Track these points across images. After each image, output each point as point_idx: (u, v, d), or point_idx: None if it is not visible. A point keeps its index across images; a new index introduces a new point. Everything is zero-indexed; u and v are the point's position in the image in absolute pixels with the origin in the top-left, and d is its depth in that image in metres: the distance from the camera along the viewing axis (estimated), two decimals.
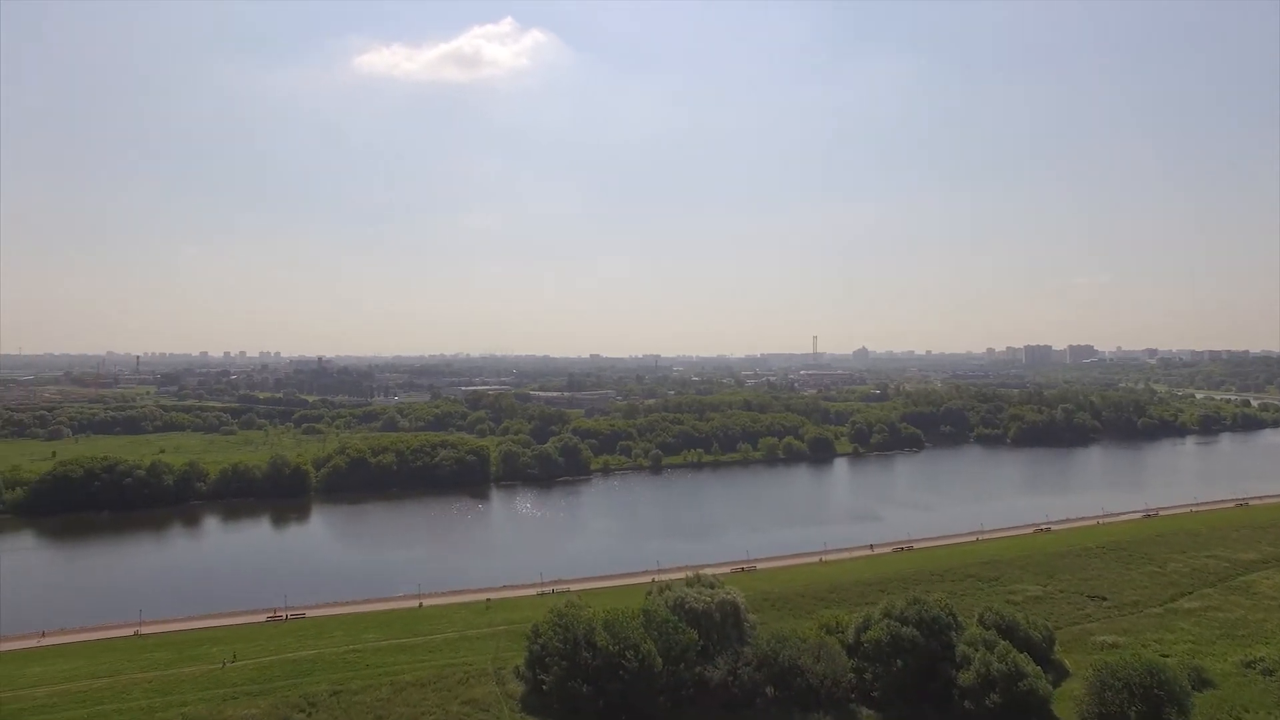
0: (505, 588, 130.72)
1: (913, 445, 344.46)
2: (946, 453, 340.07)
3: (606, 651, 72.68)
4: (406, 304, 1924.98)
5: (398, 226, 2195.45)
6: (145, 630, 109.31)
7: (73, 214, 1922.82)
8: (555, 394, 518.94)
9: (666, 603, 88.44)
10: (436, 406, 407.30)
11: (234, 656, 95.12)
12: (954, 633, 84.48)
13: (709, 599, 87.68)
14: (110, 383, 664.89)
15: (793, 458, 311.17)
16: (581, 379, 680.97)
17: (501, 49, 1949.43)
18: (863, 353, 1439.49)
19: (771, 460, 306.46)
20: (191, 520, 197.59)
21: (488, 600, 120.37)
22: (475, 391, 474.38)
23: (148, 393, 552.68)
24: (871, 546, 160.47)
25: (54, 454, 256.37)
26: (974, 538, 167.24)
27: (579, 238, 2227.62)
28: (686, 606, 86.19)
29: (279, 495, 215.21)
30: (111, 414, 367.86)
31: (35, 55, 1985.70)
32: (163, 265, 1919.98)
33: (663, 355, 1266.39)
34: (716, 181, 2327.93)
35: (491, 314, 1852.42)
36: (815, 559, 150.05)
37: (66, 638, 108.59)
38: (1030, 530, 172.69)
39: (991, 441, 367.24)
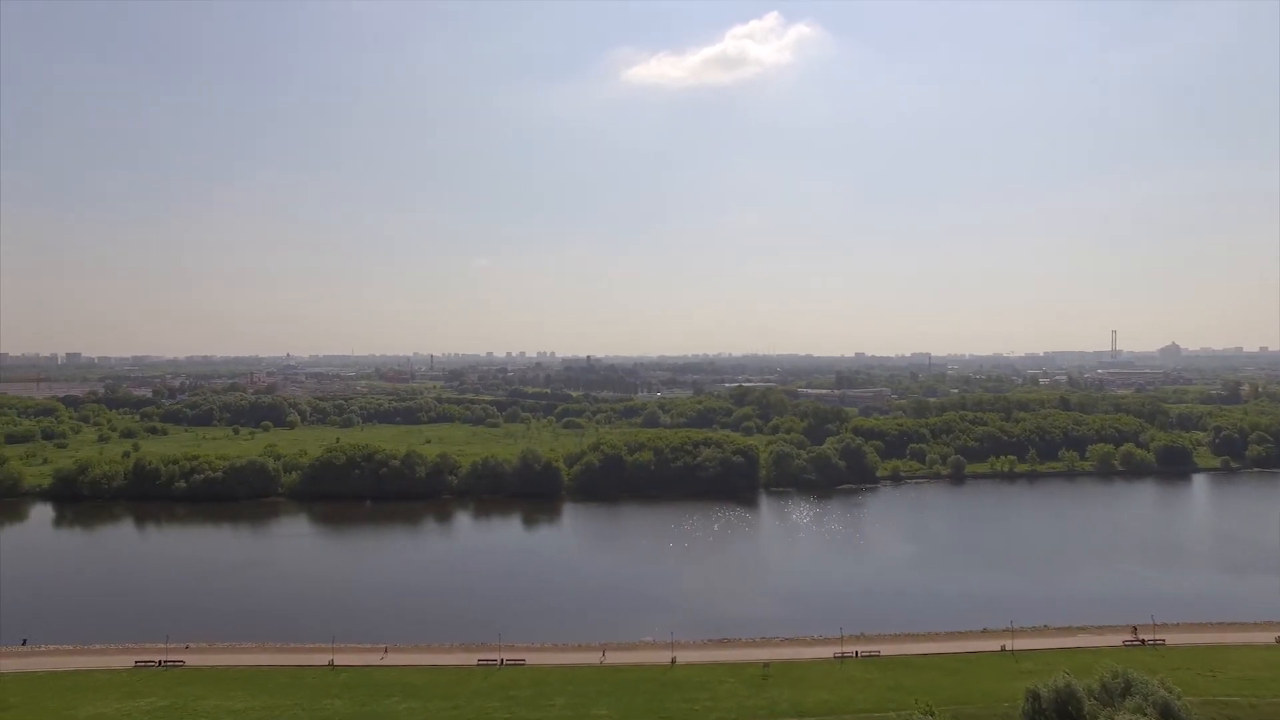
0: (787, 642, 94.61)
1: None
2: None
3: None
4: (673, 305, 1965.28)
5: (665, 229, 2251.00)
6: (340, 660, 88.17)
7: (387, 234, 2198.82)
8: (824, 391, 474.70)
9: None
10: (699, 402, 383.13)
11: None
12: None
13: None
14: (407, 378, 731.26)
15: (1133, 470, 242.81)
16: (851, 376, 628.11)
17: (763, 47, 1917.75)
18: (1172, 349, 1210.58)
19: (1104, 472, 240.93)
20: (440, 515, 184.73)
21: (766, 665, 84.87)
22: (740, 387, 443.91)
23: (434, 387, 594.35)
24: None
25: (338, 440, 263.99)
26: None
27: (842, 232, 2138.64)
28: None
29: (529, 493, 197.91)
30: (394, 404, 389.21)
31: (350, 101, 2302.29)
32: (459, 276, 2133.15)
33: (933, 354, 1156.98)
34: (988, 165, 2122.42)
35: (755, 313, 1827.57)
36: (1267, 636, 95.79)
37: (265, 658, 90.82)
38: None
39: None
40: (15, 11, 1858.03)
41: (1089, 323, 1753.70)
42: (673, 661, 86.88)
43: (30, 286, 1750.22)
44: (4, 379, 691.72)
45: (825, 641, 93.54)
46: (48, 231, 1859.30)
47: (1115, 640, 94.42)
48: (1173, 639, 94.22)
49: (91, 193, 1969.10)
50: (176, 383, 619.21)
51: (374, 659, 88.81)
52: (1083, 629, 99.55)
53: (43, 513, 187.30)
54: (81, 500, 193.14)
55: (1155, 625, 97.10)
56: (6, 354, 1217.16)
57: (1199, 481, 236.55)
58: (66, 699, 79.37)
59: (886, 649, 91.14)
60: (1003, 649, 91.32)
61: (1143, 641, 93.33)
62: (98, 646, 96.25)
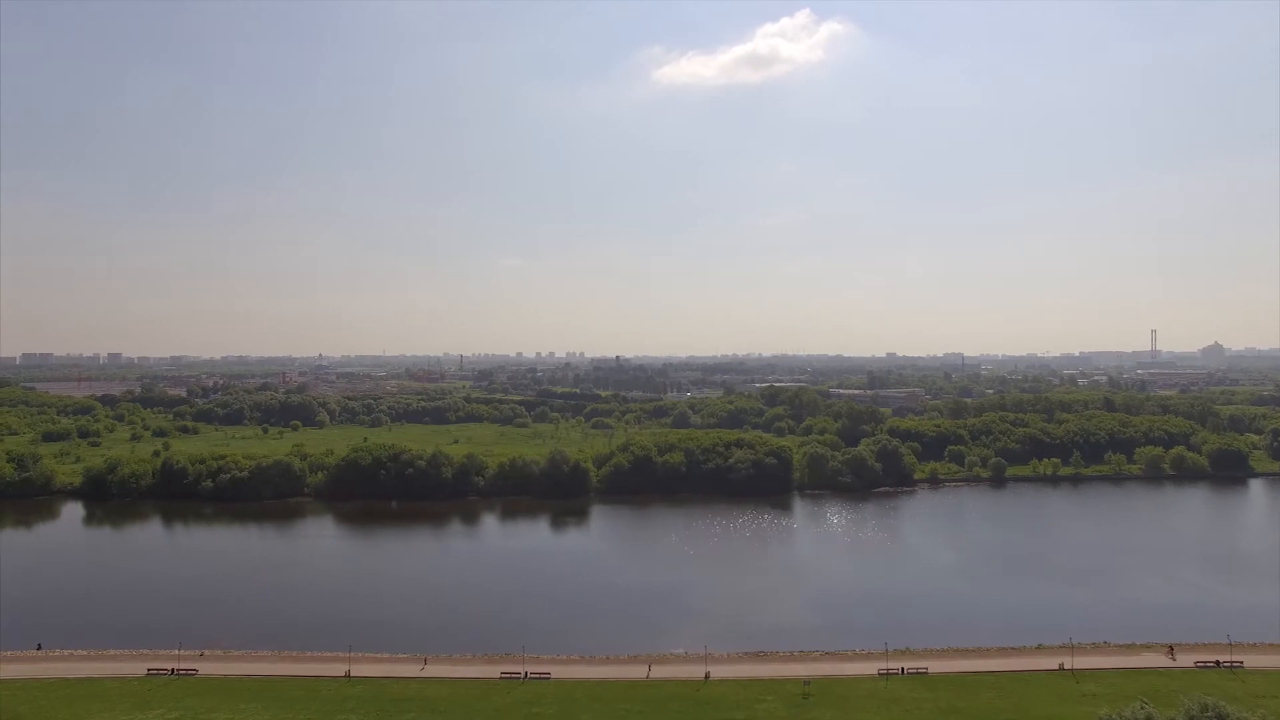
0: (828, 657, 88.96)
1: None
2: None
3: None
4: (702, 305, 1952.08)
5: (695, 229, 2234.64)
6: (357, 670, 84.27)
7: (418, 235, 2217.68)
8: (856, 391, 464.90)
9: None
10: (730, 402, 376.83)
11: None
12: None
13: None
14: (437, 378, 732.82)
15: (1184, 474, 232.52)
16: (883, 376, 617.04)
17: (794, 45, 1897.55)
18: (1215, 349, 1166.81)
19: (1153, 476, 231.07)
20: (466, 516, 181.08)
21: (806, 682, 79.24)
22: (772, 387, 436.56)
23: (463, 386, 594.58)
24: None
25: (365, 440, 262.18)
26: None
27: (874, 231, 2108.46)
28: None
29: (557, 494, 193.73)
30: (422, 404, 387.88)
31: (381, 103, 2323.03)
32: (488, 276, 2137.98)
33: (966, 354, 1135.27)
34: (1022, 163, 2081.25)
35: (785, 313, 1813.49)
36: None
37: (280, 667, 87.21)
38: None
39: None
40: (49, 19, 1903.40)
41: (1127, 322, 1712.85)
42: (706, 676, 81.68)
43: (76, 289, 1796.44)
44: (48, 378, 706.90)
45: (868, 656, 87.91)
46: (94, 236, 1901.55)
47: (1185, 660, 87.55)
48: (1251, 661, 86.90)
49: (135, 198, 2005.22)
50: (210, 382, 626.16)
51: (392, 670, 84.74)
52: (1147, 646, 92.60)
53: (73, 511, 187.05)
54: (110, 499, 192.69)
55: (1231, 645, 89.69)
56: (52, 354, 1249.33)
57: (1256, 486, 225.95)
58: (75, 709, 76.47)
59: (935, 665, 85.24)
60: (1061, 667, 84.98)
61: (1218, 663, 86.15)
62: (112, 652, 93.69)
